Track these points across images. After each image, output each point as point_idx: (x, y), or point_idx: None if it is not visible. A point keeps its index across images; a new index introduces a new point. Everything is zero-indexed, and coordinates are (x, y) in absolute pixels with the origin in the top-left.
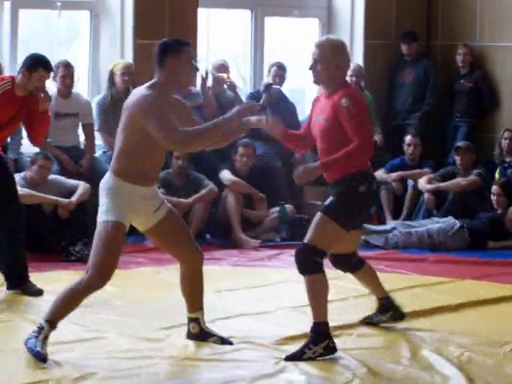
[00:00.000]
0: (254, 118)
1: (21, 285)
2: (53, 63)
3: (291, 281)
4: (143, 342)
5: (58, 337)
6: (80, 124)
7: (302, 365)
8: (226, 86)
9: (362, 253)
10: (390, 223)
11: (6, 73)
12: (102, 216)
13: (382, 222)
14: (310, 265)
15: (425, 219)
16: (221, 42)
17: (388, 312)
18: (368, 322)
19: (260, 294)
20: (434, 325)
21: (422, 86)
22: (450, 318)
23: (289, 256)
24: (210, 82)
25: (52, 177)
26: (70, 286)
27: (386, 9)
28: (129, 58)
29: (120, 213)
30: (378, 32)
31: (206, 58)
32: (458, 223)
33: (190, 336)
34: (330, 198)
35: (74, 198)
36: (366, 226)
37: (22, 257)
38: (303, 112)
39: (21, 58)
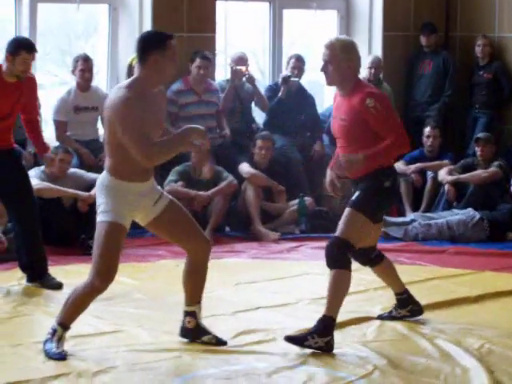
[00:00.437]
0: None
1: (40, 278)
2: (71, 57)
3: (311, 273)
4: (163, 335)
5: (77, 330)
6: (99, 117)
7: (322, 357)
8: (244, 79)
9: (381, 245)
10: (410, 215)
11: None
12: (100, 217)
13: (402, 213)
14: (340, 259)
15: (444, 211)
16: (239, 35)
17: (407, 307)
18: (386, 317)
19: (279, 286)
20: (454, 316)
21: (440, 77)
22: (470, 310)
23: (308, 248)
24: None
25: (72, 170)
26: (76, 288)
27: (404, 0)
28: None
29: (118, 213)
30: (397, 24)
31: (224, 50)
32: (477, 215)
33: (184, 331)
34: (357, 193)
35: (93, 192)
36: (385, 218)
37: (39, 249)
38: (322, 104)
39: (39, 52)
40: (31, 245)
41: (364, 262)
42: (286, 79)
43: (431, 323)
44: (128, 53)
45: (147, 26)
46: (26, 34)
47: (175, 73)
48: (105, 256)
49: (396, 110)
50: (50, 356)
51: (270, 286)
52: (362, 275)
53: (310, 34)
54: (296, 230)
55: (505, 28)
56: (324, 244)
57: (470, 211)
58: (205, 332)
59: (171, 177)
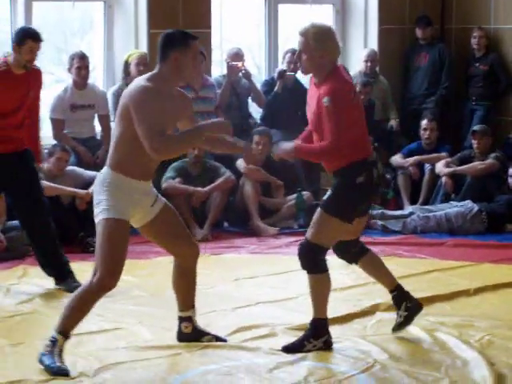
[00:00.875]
0: (232, 142)
1: (62, 281)
2: (67, 55)
3: None
4: (163, 332)
5: (78, 328)
6: (96, 115)
7: (323, 352)
8: (240, 74)
9: (380, 238)
10: (408, 208)
11: None
12: (102, 214)
13: (400, 207)
14: (312, 265)
15: (443, 203)
16: (234, 30)
17: (401, 305)
18: (397, 327)
19: (279, 281)
20: (454, 309)
21: (437, 70)
22: (470, 302)
23: None
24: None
25: (69, 168)
26: (78, 292)
27: None
28: (143, 47)
29: (121, 209)
30: (392, 17)
31: (219, 46)
32: (476, 207)
33: (182, 337)
34: (328, 192)
35: (91, 189)
36: (384, 211)
37: (55, 254)
38: None
39: None
40: (45, 250)
41: (348, 259)
42: (281, 74)
43: (431, 316)
44: (124, 50)
45: (142, 23)
46: None
47: (194, 75)
48: (112, 254)
49: (392, 103)
50: (55, 372)
51: (270, 281)
52: (361, 269)
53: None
54: (294, 225)
55: (500, 20)
56: None
57: (468, 203)
58: (203, 333)
59: (169, 173)
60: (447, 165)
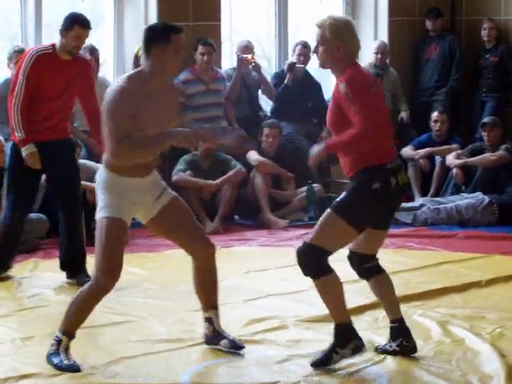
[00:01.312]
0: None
1: (75, 275)
2: None
3: None
4: (174, 325)
5: (89, 321)
6: None
7: None
8: (250, 67)
9: (391, 230)
10: (419, 200)
11: None
12: (100, 213)
13: (411, 199)
14: (316, 268)
15: (453, 195)
16: (244, 23)
17: (397, 339)
18: (380, 350)
19: (289, 273)
20: (465, 301)
21: (447, 61)
22: (481, 294)
23: None
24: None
25: (80, 161)
26: (79, 293)
27: None
28: None
29: (116, 208)
30: (403, 9)
31: (229, 39)
32: (486, 198)
33: (204, 337)
34: (342, 194)
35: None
36: None
37: (76, 247)
38: (328, 91)
39: (46, 43)
40: (68, 242)
41: (358, 272)
42: (291, 66)
43: (442, 308)
44: (134, 42)
45: (152, 16)
46: (31, 25)
47: (178, 68)
48: (107, 253)
49: (403, 95)
50: (64, 369)
51: (281, 274)
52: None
53: (316, 20)
54: (305, 217)
55: (511, 11)
56: None
57: (478, 195)
58: (222, 337)
59: (179, 166)
60: (458, 157)
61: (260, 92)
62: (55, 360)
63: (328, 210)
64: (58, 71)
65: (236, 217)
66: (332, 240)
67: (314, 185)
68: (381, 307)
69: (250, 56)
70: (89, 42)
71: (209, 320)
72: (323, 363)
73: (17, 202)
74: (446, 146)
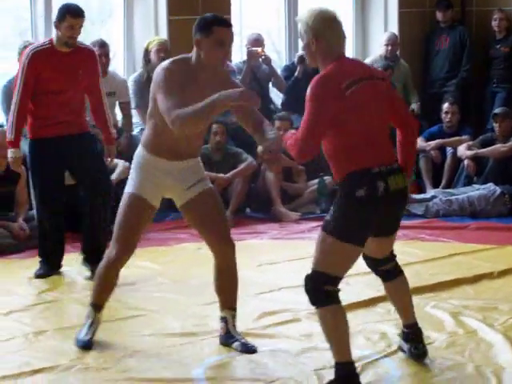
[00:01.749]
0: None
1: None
2: (87, 43)
3: None
4: (186, 319)
5: (104, 316)
6: (117, 102)
7: (352, 339)
8: (261, 60)
9: (403, 222)
10: (430, 192)
11: None
12: (126, 188)
13: (422, 190)
14: (316, 297)
15: (465, 187)
16: (254, 16)
17: (408, 343)
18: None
19: (301, 266)
20: (478, 292)
21: (458, 52)
22: (493, 285)
23: None
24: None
25: None
26: (100, 265)
27: None
28: (163, 34)
29: (140, 186)
30: (413, 0)
31: (239, 32)
32: (498, 189)
33: (219, 337)
34: (331, 209)
35: (113, 177)
36: None
37: (97, 239)
38: None
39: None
40: (90, 233)
41: (375, 274)
42: (302, 58)
43: (455, 299)
44: (143, 36)
45: (162, 9)
46: (41, 21)
47: (220, 60)
48: (122, 226)
49: (413, 87)
50: (76, 343)
51: (292, 266)
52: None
53: None
54: (316, 210)
55: None
56: None
57: (490, 186)
58: (234, 339)
59: None
60: (469, 148)
61: (270, 85)
62: (78, 334)
63: (320, 231)
64: (58, 64)
65: (247, 210)
66: (333, 263)
67: (326, 177)
68: None
69: (260, 49)
70: (99, 36)
71: (224, 319)
72: None
73: (45, 198)
74: (456, 138)
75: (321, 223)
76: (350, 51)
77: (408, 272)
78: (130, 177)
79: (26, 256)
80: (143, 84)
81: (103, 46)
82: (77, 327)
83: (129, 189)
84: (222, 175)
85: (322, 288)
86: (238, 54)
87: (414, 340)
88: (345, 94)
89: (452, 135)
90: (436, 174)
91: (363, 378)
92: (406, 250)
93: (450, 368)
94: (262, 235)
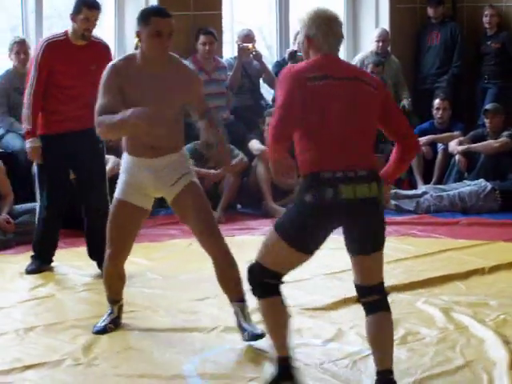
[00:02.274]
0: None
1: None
2: None
3: (325, 248)
4: (178, 314)
5: (92, 311)
6: None
7: (337, 332)
8: (251, 56)
9: (394, 218)
10: (421, 187)
11: (33, 51)
12: (115, 192)
13: (413, 186)
14: (253, 287)
15: (456, 182)
16: (245, 12)
17: None
18: None
19: None
20: (469, 288)
21: (449, 48)
22: (484, 281)
23: None
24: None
25: None
26: (103, 263)
27: None
28: None
29: (125, 190)
30: None
31: (231, 28)
32: (489, 185)
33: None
34: None
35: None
36: (397, 190)
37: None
38: None
39: (46, 35)
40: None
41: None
42: (292, 55)
43: (446, 295)
44: (134, 34)
45: (153, 5)
46: (32, 17)
47: (157, 51)
48: (114, 229)
49: (405, 83)
50: (93, 328)
51: None
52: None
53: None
54: None
55: None
56: None
57: (481, 182)
58: (242, 331)
59: None
60: (460, 143)
61: (261, 81)
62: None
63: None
64: (72, 57)
65: (238, 206)
66: (274, 259)
67: None
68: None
69: (250, 45)
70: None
71: (235, 314)
72: None
73: (51, 195)
74: (448, 133)
75: None
76: (341, 47)
77: (399, 268)
78: (118, 181)
79: (17, 252)
80: None
81: None
82: (68, 323)
83: (116, 194)
84: (212, 171)
85: (262, 280)
86: (229, 50)
87: None
88: (306, 84)
89: (443, 131)
90: (427, 169)
91: (354, 374)
92: (397, 245)
93: (441, 363)
94: (253, 231)
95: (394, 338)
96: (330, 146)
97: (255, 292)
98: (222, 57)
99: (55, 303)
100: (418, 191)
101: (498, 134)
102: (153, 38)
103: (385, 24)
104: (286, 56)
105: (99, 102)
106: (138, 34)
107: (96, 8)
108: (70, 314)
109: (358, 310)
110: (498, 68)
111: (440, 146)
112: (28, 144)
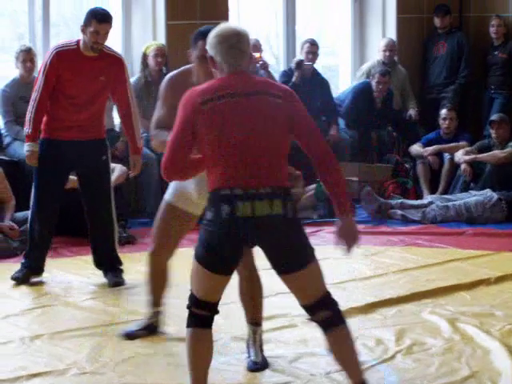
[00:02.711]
0: None
1: (105, 274)
2: None
3: (330, 258)
4: (182, 323)
5: (97, 319)
6: (114, 106)
7: None
8: (258, 65)
9: (400, 228)
10: (427, 197)
11: (40, 58)
12: (166, 193)
13: (419, 196)
14: (188, 316)
15: (462, 193)
16: (252, 21)
17: None
18: None
19: None
20: (474, 298)
21: (455, 58)
22: (490, 291)
23: (326, 233)
24: None
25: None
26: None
27: None
28: (161, 39)
29: (173, 194)
30: (411, 6)
31: None
32: (495, 196)
33: None
34: None
35: (112, 179)
36: (403, 200)
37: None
38: (337, 88)
39: (53, 43)
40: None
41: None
42: (299, 64)
43: (451, 305)
44: (141, 41)
45: (160, 14)
46: (39, 25)
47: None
48: (157, 228)
49: (411, 93)
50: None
51: None
52: (380, 258)
53: (324, 18)
54: (314, 215)
55: None
56: None
57: (487, 192)
58: (247, 352)
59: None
60: (466, 153)
61: None
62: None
63: None
64: (81, 67)
65: None
66: (197, 285)
67: None
68: (390, 305)
69: (257, 54)
70: None
71: (247, 333)
72: None
73: (42, 199)
74: (454, 144)
75: (318, 228)
76: (347, 56)
77: (405, 278)
78: (170, 184)
79: (21, 260)
80: (141, 88)
81: None
82: (73, 331)
83: (166, 196)
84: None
85: (189, 309)
86: None
87: None
88: (201, 108)
89: (450, 141)
90: (433, 179)
91: None
92: (403, 255)
93: (447, 374)
94: None
95: (400, 347)
96: (231, 164)
97: (187, 320)
98: None
99: (60, 311)
100: (424, 201)
101: (505, 144)
102: (197, 61)
103: (392, 34)
104: (293, 65)
105: (156, 113)
106: (189, 55)
107: (106, 21)
108: (75, 323)
109: (364, 320)
110: (505, 78)
111: (446, 156)
112: (26, 147)
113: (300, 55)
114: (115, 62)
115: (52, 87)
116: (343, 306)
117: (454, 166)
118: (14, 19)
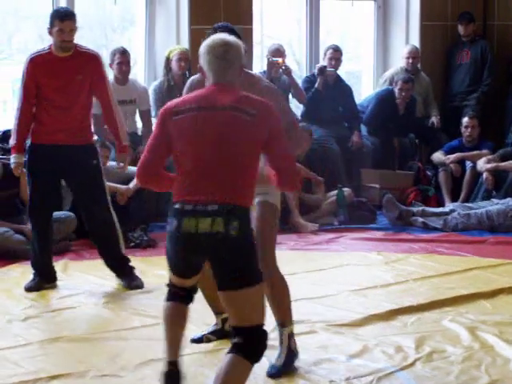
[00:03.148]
0: None
1: (120, 278)
2: (108, 50)
3: (350, 264)
4: (203, 327)
5: (121, 324)
6: (137, 110)
7: (363, 349)
8: (281, 71)
9: (421, 235)
10: (449, 205)
11: None
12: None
13: (441, 204)
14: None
15: (484, 201)
16: (276, 26)
17: None
18: None
19: (319, 277)
20: (495, 307)
21: (479, 66)
22: (510, 300)
23: (347, 239)
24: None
25: (110, 164)
26: None
27: None
28: (184, 43)
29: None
30: (435, 13)
31: (260, 42)
32: None
33: None
34: None
35: (131, 185)
36: (424, 208)
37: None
38: (359, 95)
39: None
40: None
41: None
42: (322, 70)
43: (472, 313)
44: (165, 45)
45: (184, 19)
46: None
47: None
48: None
49: (434, 100)
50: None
51: (310, 278)
52: (401, 266)
53: (347, 24)
54: (335, 221)
55: None
56: (363, 235)
57: (509, 201)
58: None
59: None
60: (488, 162)
61: (290, 96)
62: None
63: None
64: (54, 69)
65: None
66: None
67: (344, 189)
68: (410, 312)
69: (280, 59)
70: (120, 44)
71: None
72: None
73: (35, 203)
74: (476, 151)
75: (339, 235)
76: (370, 63)
77: (426, 285)
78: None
79: None
80: (164, 92)
81: (124, 53)
82: (93, 334)
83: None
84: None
85: (168, 286)
86: (259, 64)
87: None
88: (171, 119)
89: (472, 149)
90: (455, 187)
91: None
92: (424, 263)
93: (466, 382)
94: (279, 246)
95: (420, 355)
96: (190, 178)
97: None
98: (251, 71)
99: (80, 314)
100: (446, 209)
101: None
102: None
103: (415, 41)
104: (316, 71)
105: None
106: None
107: (68, 18)
108: (94, 325)
109: (384, 327)
110: None
111: (468, 164)
112: (12, 159)
113: (323, 61)
114: (91, 59)
115: (34, 95)
116: (363, 312)
117: (476, 174)
118: (37, 19)
